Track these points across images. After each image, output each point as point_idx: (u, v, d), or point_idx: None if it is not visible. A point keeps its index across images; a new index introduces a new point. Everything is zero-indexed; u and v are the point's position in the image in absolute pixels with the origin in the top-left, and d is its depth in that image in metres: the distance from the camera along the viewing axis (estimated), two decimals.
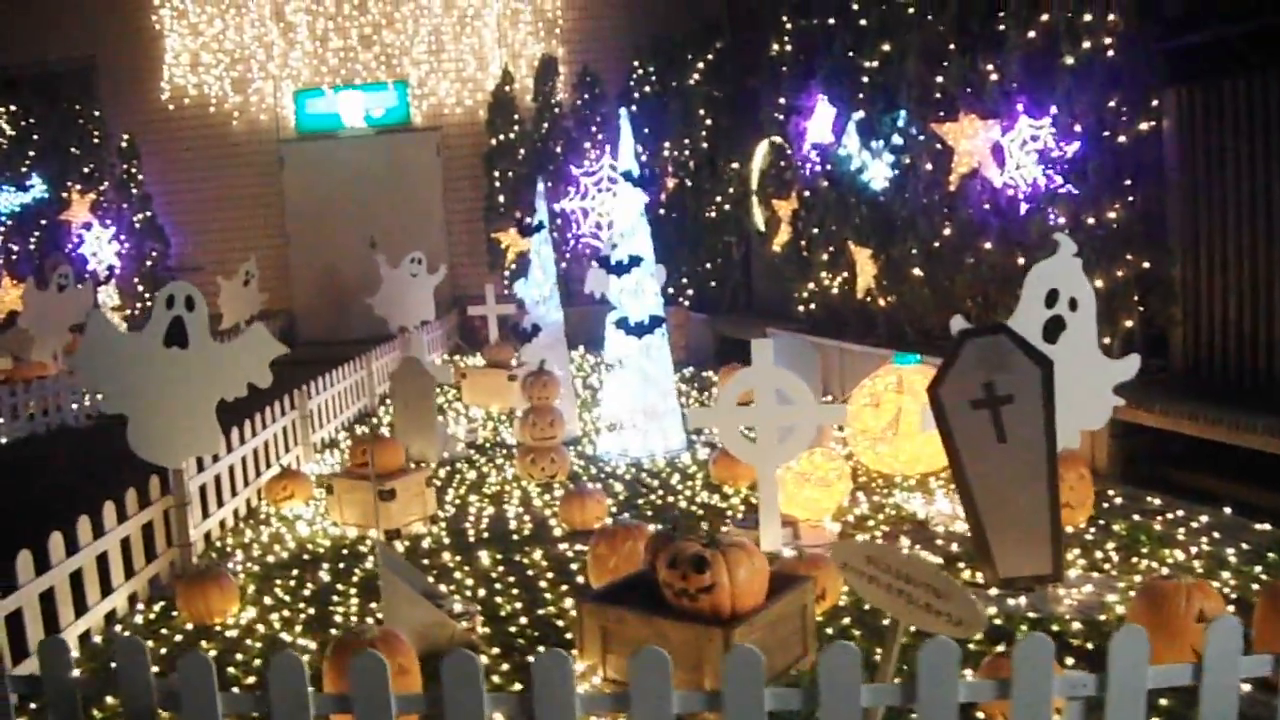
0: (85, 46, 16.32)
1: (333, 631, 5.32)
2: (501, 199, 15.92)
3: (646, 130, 14.88)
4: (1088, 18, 7.48)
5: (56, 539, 5.25)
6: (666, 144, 14.49)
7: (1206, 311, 7.51)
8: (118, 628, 5.56)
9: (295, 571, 6.29)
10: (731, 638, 4.18)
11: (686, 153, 14.01)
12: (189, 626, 5.52)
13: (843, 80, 10.12)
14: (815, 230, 10.63)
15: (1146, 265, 7.58)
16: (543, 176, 15.36)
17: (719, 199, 13.60)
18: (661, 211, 14.69)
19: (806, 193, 11.02)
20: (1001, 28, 8.31)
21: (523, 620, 5.37)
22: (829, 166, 10.49)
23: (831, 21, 10.47)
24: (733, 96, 13.73)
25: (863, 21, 9.95)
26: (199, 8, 16.55)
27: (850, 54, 10.08)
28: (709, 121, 13.77)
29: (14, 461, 10.37)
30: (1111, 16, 7.44)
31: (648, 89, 15.08)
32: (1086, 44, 7.52)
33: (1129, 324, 7.68)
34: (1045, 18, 7.87)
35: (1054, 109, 7.80)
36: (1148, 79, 7.52)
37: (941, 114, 8.84)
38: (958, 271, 8.75)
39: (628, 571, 5.43)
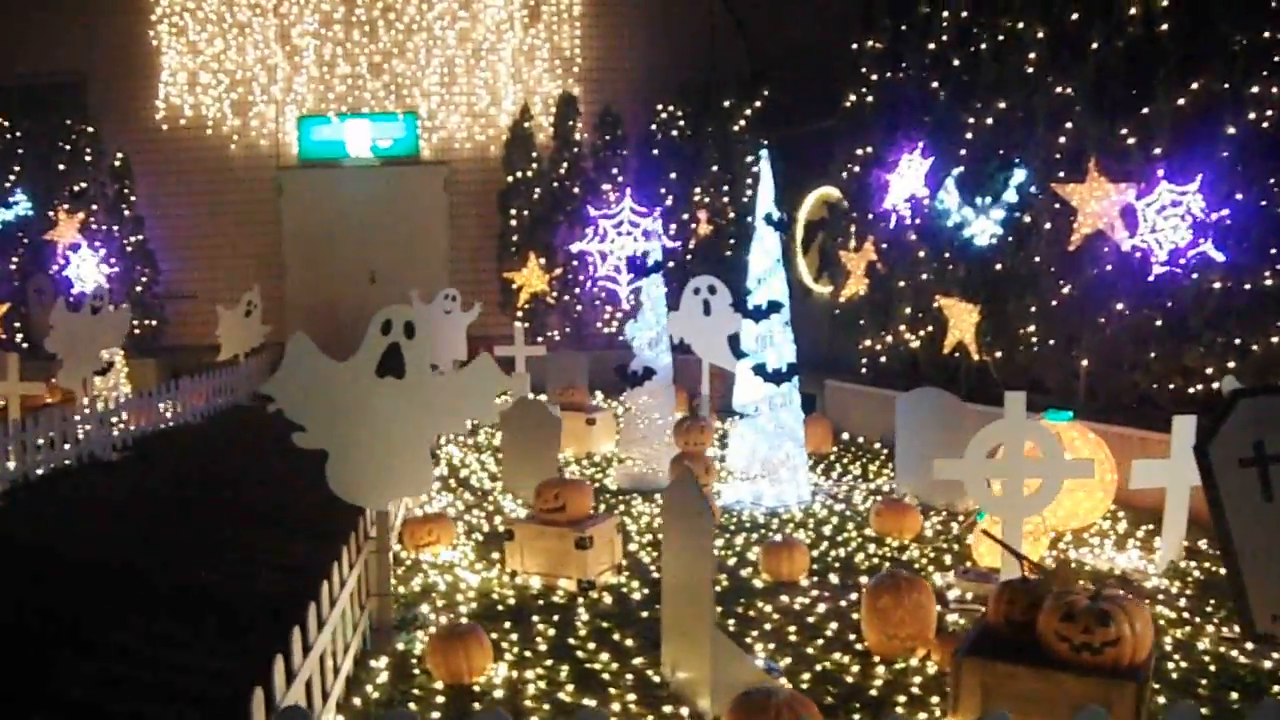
0: (78, 61, 15.44)
1: (611, 691, 4.93)
2: (515, 238, 15.52)
3: (674, 175, 14.75)
4: (1255, 89, 7.63)
5: (324, 594, 4.74)
6: (697, 189, 14.34)
7: None
8: (369, 689, 5.02)
9: (507, 625, 5.82)
10: (1145, 692, 4.03)
11: (725, 199, 13.88)
12: (438, 685, 5.04)
13: (943, 135, 10.14)
14: (902, 283, 10.57)
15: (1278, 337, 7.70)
16: (561, 216, 15.17)
17: None
18: (690, 257, 14.53)
19: (884, 245, 10.97)
20: (1134, 92, 8.45)
21: (805, 676, 5.08)
22: (918, 220, 10.47)
23: (927, 75, 10.51)
24: (779, 145, 13.67)
25: (965, 77, 10.02)
26: (199, 26, 15.84)
27: (949, 109, 10.12)
28: (755, 169, 13.67)
29: (55, 498, 9.52)
30: (1275, 89, 7.61)
31: (674, 133, 14.93)
32: (1252, 114, 7.66)
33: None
34: (1196, 86, 8.01)
35: (1201, 175, 7.91)
36: None
37: (1061, 174, 8.92)
38: (1083, 329, 8.78)
39: (913, 625, 5.23)
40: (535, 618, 5.95)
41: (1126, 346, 8.51)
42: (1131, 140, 8.44)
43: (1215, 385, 7.99)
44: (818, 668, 5.20)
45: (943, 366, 10.41)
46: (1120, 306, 8.49)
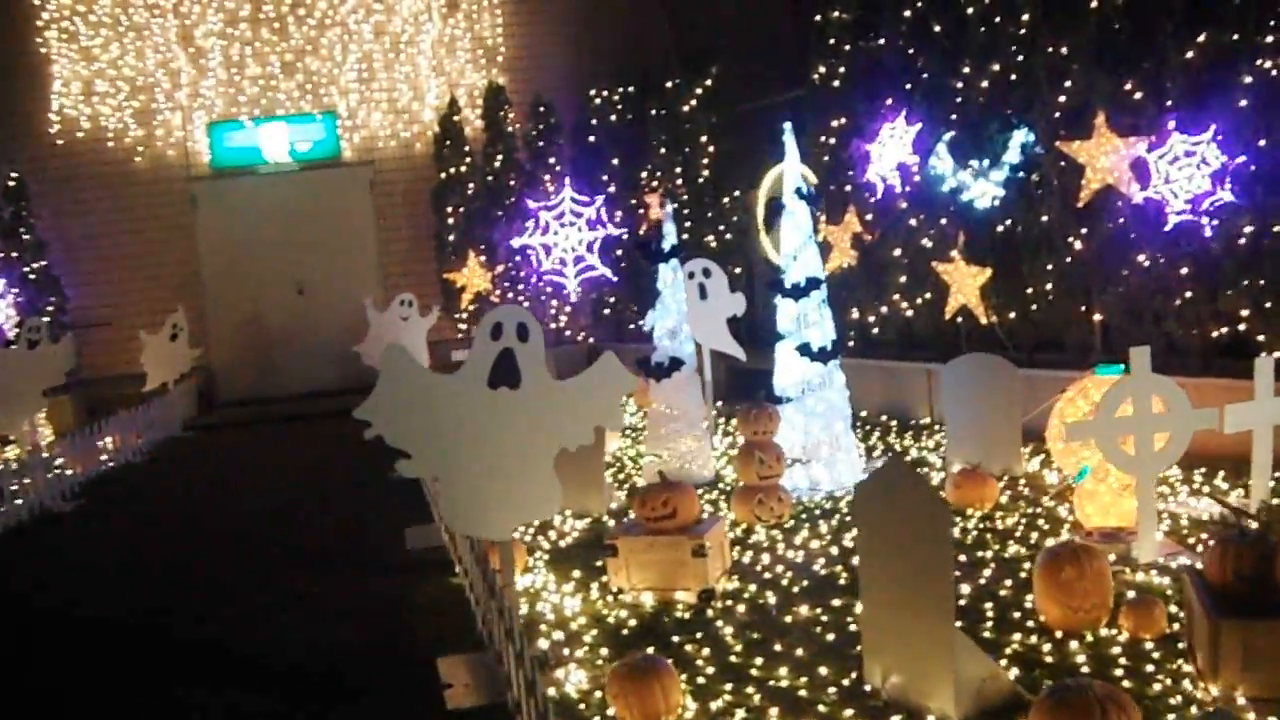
0: None
1: (820, 709, 4.59)
2: (452, 237, 14.89)
3: (615, 160, 14.37)
4: (1269, 39, 7.71)
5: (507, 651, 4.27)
6: (644, 173, 13.98)
7: None
8: None
9: (649, 650, 5.36)
10: None
11: (679, 181, 13.54)
12: None
13: (931, 101, 10.04)
14: (896, 252, 10.45)
15: None
16: (499, 210, 14.66)
17: (721, 228, 13.23)
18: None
19: (870, 216, 10.83)
20: (1140, 47, 8.47)
21: (1002, 662, 4.85)
22: (908, 188, 10.36)
23: (902, 43, 10.40)
24: (732, 123, 13.45)
25: (948, 43, 9.94)
26: (91, 30, 14.69)
27: (935, 74, 10.04)
28: (711, 149, 13.40)
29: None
30: (1270, 39, 7.71)
31: (613, 118, 14.52)
32: (1267, 63, 7.73)
33: None
34: (1203, 38, 8.06)
35: (1214, 125, 7.95)
36: None
37: (1063, 132, 8.91)
38: (1107, 284, 8.79)
39: (1097, 595, 5.04)
40: (676, 638, 5.54)
41: (1151, 297, 8.54)
42: (1139, 95, 8.45)
43: (1242, 328, 8.08)
44: (1008, 651, 4.97)
45: (943, 333, 10.31)
46: (1141, 258, 8.50)
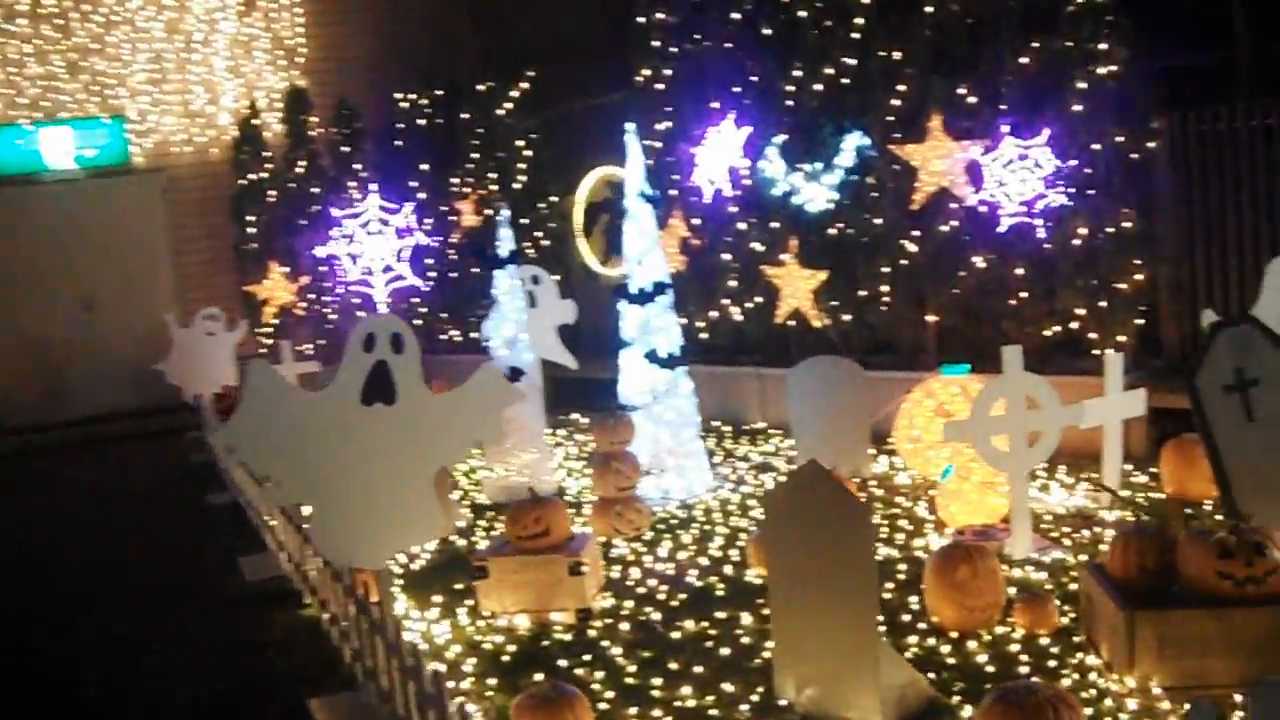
0: None
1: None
2: (254, 247, 14.02)
3: (426, 166, 13.88)
4: (1104, 46, 8.05)
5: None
6: (456, 179, 13.51)
7: (1192, 310, 8.33)
8: None
9: (538, 676, 5.04)
10: None
11: (494, 188, 13.14)
12: None
13: (761, 104, 10.06)
14: (726, 256, 10.41)
15: (1141, 275, 8.23)
16: (302, 219, 13.95)
17: (538, 234, 12.93)
18: (453, 255, 13.69)
19: (697, 220, 10.74)
20: (975, 52, 8.72)
21: None
22: (738, 192, 10.34)
23: (730, 45, 10.38)
24: (549, 127, 13.16)
25: (778, 46, 9.99)
26: None
27: (765, 77, 10.07)
28: (527, 154, 13.07)
29: None
30: (1104, 46, 8.07)
31: (422, 122, 14.00)
32: (1102, 69, 8.07)
33: (1139, 321, 8.28)
34: (1037, 45, 8.34)
35: (1048, 130, 8.24)
36: (1147, 101, 8.23)
37: (897, 135, 9.07)
38: (942, 286, 8.97)
39: (990, 594, 5.08)
40: (562, 661, 5.24)
41: (986, 297, 8.76)
42: (973, 99, 8.66)
43: (1075, 326, 8.39)
44: (907, 655, 4.91)
45: (774, 337, 10.31)
46: (976, 260, 8.71)
